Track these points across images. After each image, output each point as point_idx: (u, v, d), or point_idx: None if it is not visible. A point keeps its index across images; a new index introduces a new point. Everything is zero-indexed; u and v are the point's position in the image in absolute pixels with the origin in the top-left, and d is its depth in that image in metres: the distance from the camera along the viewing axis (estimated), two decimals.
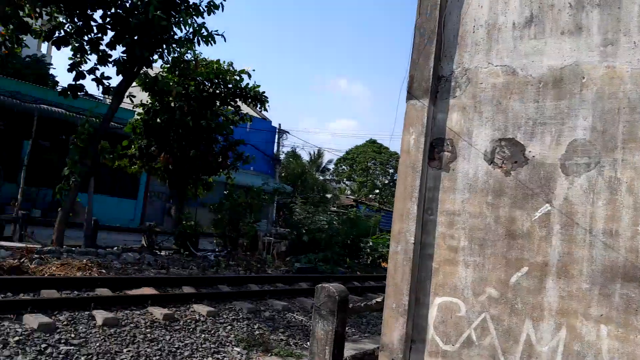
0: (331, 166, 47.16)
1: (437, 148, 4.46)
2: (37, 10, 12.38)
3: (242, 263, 12.36)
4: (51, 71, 26.64)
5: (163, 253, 12.62)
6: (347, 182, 48.04)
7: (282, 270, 12.54)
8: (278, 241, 15.14)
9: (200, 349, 5.84)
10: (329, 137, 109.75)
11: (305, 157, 41.11)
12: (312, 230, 15.35)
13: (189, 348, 5.77)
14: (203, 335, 6.24)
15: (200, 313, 6.91)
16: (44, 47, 29.00)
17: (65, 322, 5.62)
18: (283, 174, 31.26)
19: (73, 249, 10.53)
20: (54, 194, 15.64)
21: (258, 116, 29.98)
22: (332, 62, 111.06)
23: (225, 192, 15.54)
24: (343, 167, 48.76)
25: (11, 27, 12.39)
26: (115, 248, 11.66)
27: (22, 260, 8.14)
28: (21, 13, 12.26)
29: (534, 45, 3.89)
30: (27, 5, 12.12)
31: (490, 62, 4.20)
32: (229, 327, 6.72)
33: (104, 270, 8.84)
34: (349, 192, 44.94)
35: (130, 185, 20.68)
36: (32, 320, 5.40)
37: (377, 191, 40.99)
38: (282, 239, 15.61)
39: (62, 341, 5.18)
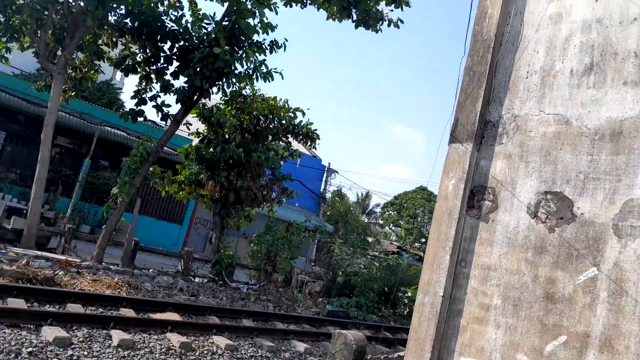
0: (378, 210, 46.55)
1: (478, 196, 4.17)
2: (114, 39, 13.34)
3: (273, 298, 12.10)
4: (121, 96, 28.23)
5: (197, 280, 12.59)
6: (392, 228, 47.13)
7: (313, 311, 12.14)
8: (313, 280, 14.79)
9: None
10: (378, 181, 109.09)
11: (352, 198, 40.84)
12: (349, 273, 14.92)
13: None
14: None
15: (219, 345, 6.68)
16: (119, 74, 30.91)
17: (81, 339, 5.55)
18: (328, 213, 31.05)
19: (111, 266, 10.69)
20: (104, 212, 16.25)
21: (308, 153, 30.27)
22: (389, 108, 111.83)
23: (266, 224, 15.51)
24: (390, 212, 47.99)
25: (87, 53, 13.33)
26: (151, 270, 11.75)
27: (56, 272, 8.29)
28: (99, 42, 13.20)
29: (592, 94, 3.60)
30: (106, 35, 13.08)
31: (542, 110, 3.93)
32: None
33: (133, 291, 8.84)
34: (393, 238, 43.98)
35: (177, 210, 21.13)
36: (50, 333, 5.37)
37: (423, 240, 39.81)
38: (318, 278, 15.24)
39: (74, 358, 5.09)
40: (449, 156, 4.38)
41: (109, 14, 12.17)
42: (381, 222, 47.34)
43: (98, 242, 11.80)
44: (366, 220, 40.69)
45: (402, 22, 13.14)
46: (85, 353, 5.28)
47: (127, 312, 7.14)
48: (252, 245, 14.87)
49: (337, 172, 32.95)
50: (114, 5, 11.37)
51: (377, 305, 13.92)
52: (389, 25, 13.17)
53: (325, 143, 79.73)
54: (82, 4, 11.06)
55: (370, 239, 25.76)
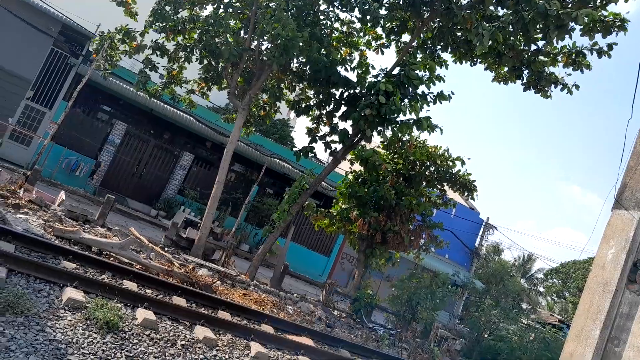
0: (540, 275, 42.27)
1: None
2: (293, 84, 15.02)
3: (409, 347, 11.80)
4: (292, 133, 30.92)
5: (336, 313, 12.92)
6: (555, 299, 42.29)
7: None
8: (454, 338, 14.06)
9: None
10: (543, 244, 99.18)
11: (510, 258, 37.83)
12: (495, 337, 13.84)
13: None
14: None
15: None
16: (292, 114, 33.99)
17: (225, 343, 6.16)
18: (480, 271, 29.24)
19: (260, 285, 11.60)
20: (263, 235, 17.71)
21: (465, 205, 29.14)
22: (564, 168, 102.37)
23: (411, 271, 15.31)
24: (554, 280, 43.27)
25: (270, 94, 15.19)
26: (295, 295, 12.42)
27: (215, 281, 9.31)
28: (281, 85, 15.00)
29: None
30: (287, 79, 14.80)
31: None
32: None
33: (275, 310, 9.48)
34: (557, 311, 39.37)
35: (326, 242, 22.08)
36: (201, 332, 6.09)
37: None
38: (459, 336, 14.42)
39: (217, 359, 5.67)
40: (611, 222, 4.00)
41: (291, 62, 13.71)
42: (541, 290, 42.88)
43: (253, 260, 12.95)
44: (525, 285, 37.14)
45: (577, 88, 12.01)
46: (227, 357, 5.85)
47: (267, 329, 7.69)
48: (393, 289, 14.78)
49: (495, 228, 31.02)
50: (296, 54, 12.71)
51: None
52: (562, 89, 12.18)
53: (487, 198, 75.73)
54: (270, 52, 12.60)
55: (524, 306, 23.54)
